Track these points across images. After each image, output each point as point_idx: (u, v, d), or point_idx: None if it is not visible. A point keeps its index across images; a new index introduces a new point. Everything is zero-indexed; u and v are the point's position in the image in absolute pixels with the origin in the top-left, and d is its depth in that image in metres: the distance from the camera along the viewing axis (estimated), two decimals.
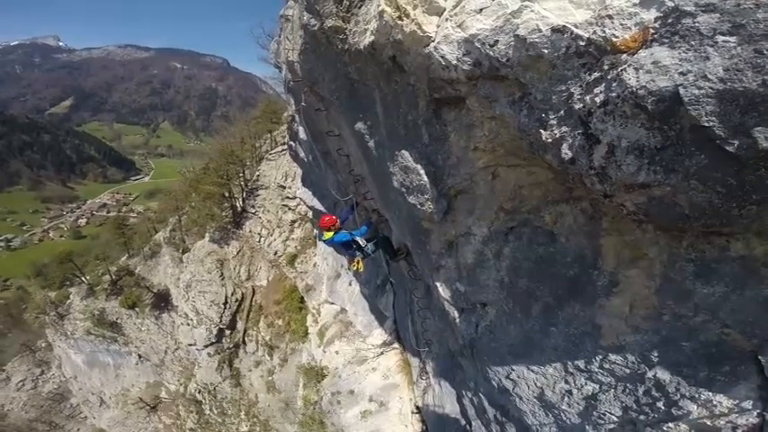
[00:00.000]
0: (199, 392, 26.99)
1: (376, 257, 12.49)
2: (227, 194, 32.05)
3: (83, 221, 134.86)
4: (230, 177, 31.91)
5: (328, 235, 8.10)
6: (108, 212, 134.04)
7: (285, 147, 24.02)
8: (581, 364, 3.55)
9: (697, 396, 2.74)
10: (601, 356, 3.33)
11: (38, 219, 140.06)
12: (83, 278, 37.04)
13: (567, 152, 2.67)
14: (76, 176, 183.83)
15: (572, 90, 2.48)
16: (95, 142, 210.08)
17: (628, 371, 3.15)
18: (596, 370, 3.41)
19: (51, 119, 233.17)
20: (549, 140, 2.75)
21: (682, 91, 1.95)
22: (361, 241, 8.08)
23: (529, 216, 3.74)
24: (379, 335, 13.47)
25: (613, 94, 2.23)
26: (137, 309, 32.75)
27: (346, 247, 8.14)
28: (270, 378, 23.41)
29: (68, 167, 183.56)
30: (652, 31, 2.05)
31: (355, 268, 8.27)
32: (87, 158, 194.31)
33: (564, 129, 2.63)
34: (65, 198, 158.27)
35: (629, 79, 2.12)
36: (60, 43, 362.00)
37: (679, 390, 2.83)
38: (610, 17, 2.22)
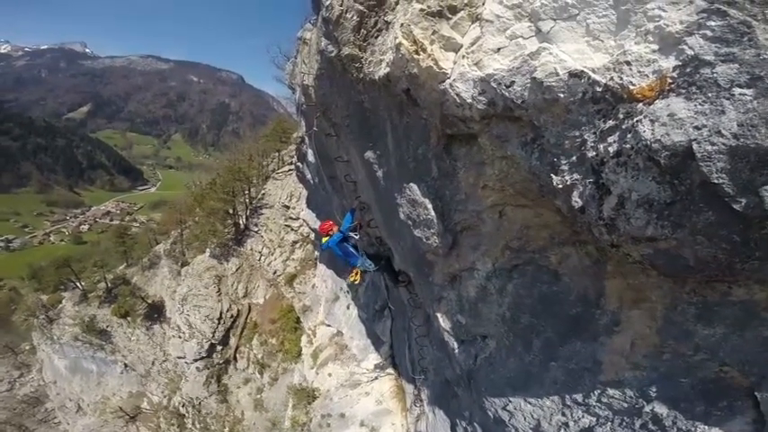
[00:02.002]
0: (183, 406, 26.45)
1: (376, 281, 12.40)
2: (231, 211, 32.20)
3: (85, 227, 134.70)
4: (235, 194, 32.16)
5: (325, 239, 8.11)
6: (111, 220, 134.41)
7: (292, 167, 24.27)
8: (579, 397, 3.56)
9: (693, 429, 2.76)
10: (599, 391, 3.35)
11: (41, 221, 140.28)
12: (78, 284, 36.78)
13: (577, 200, 2.65)
14: (84, 182, 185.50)
15: (585, 137, 2.47)
16: (107, 150, 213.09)
17: (625, 405, 3.17)
18: (594, 403, 3.43)
19: (68, 124, 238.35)
20: (560, 186, 2.73)
21: (695, 146, 1.92)
22: (353, 236, 8.00)
23: (534, 255, 3.73)
24: (374, 359, 13.21)
25: (627, 146, 2.21)
26: (129, 318, 32.43)
27: (345, 253, 7.99)
28: (258, 396, 22.99)
29: (78, 173, 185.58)
30: (669, 80, 2.02)
31: (352, 279, 8.16)
32: (97, 165, 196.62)
33: (575, 176, 2.61)
34: (70, 203, 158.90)
35: (645, 132, 2.10)
36: (87, 50, 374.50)
37: (676, 423, 2.85)
38: (628, 63, 2.20)
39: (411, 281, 7.95)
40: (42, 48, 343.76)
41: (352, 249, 7.97)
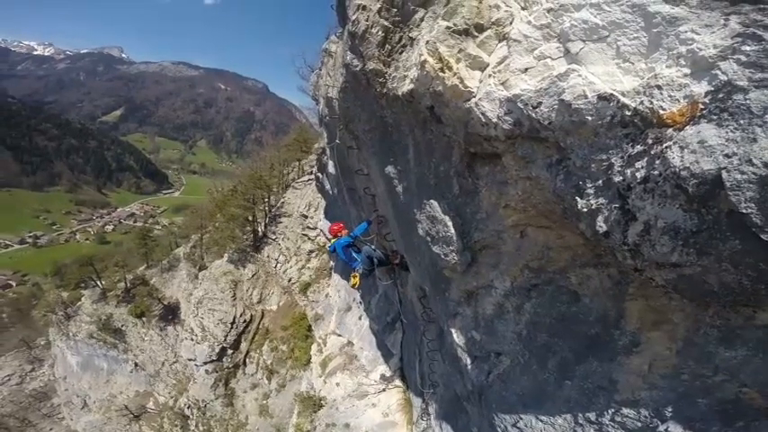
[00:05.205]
0: (188, 407, 26.69)
1: (389, 294, 12.36)
2: (250, 218, 32.76)
3: (110, 228, 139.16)
4: (256, 202, 32.74)
5: (332, 241, 8.40)
6: (135, 222, 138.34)
7: (312, 177, 24.60)
8: (592, 416, 3.46)
9: None
10: (613, 410, 3.26)
11: (68, 220, 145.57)
12: (98, 282, 37.73)
13: (601, 225, 2.59)
14: (112, 184, 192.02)
15: (613, 161, 2.42)
16: (135, 153, 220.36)
17: (639, 424, 3.06)
18: (607, 422, 3.32)
19: (101, 126, 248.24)
20: (585, 210, 2.68)
21: (725, 175, 1.86)
22: (366, 246, 8.22)
23: (554, 276, 3.65)
24: (382, 371, 13.11)
25: (655, 172, 2.17)
26: (144, 318, 33.05)
27: (348, 257, 8.22)
28: (264, 402, 23.08)
29: (106, 174, 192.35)
30: (701, 106, 1.96)
31: (352, 283, 8.29)
32: (125, 168, 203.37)
33: (601, 200, 2.56)
34: (97, 203, 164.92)
35: (674, 158, 2.05)
36: (123, 55, 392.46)
37: None
38: (659, 87, 2.14)
39: (407, 267, 8.05)
40: (82, 52, 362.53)
41: (355, 254, 8.23)
